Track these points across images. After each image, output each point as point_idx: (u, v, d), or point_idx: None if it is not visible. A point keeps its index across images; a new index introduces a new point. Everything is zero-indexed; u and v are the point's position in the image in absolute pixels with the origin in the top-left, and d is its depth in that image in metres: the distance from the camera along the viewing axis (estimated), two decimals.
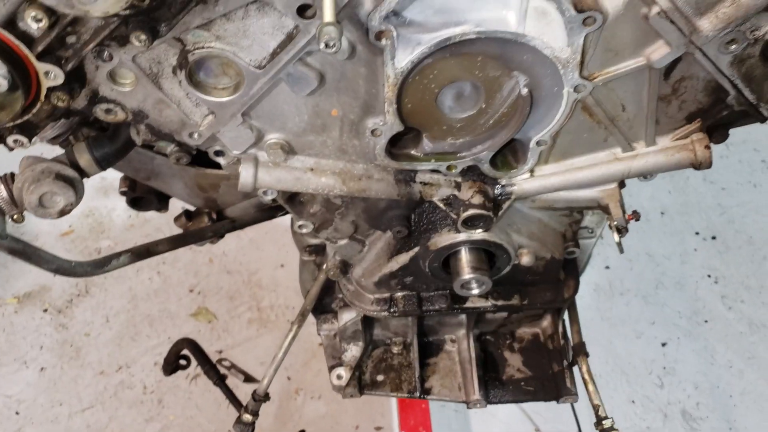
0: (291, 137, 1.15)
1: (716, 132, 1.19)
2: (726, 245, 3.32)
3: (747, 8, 0.96)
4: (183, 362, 2.24)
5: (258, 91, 1.04)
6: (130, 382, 2.94)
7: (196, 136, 1.11)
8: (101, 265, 1.25)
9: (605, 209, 1.24)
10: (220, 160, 1.18)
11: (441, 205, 1.26)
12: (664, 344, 3.04)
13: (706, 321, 3.10)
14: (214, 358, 3.03)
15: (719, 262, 3.26)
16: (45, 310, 3.15)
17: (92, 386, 2.93)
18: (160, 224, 3.30)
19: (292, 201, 1.29)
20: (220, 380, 1.86)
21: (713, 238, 3.33)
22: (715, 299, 3.16)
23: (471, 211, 1.22)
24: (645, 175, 1.22)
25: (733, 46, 1.01)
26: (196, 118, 1.08)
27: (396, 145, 1.18)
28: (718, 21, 0.98)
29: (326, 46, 0.87)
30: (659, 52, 1.03)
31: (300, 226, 1.33)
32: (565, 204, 1.28)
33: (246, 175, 1.16)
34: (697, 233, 3.35)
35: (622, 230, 1.22)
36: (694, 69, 1.08)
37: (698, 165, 1.19)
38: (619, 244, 1.23)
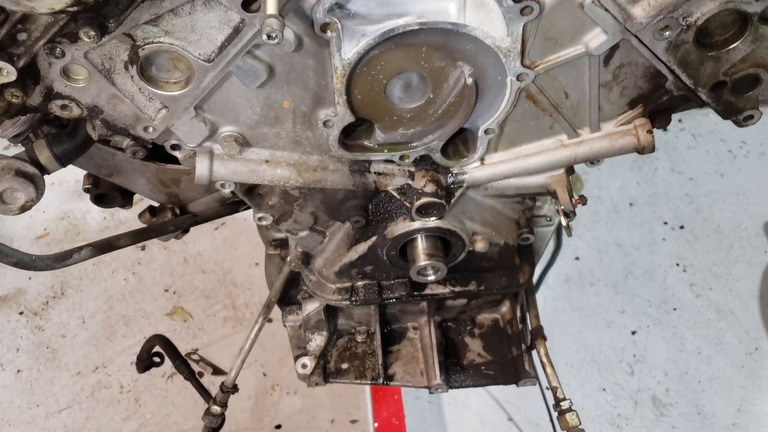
0: (245, 129, 1.18)
1: (659, 117, 1.24)
2: (694, 234, 3.38)
3: None
4: (156, 359, 2.25)
5: (209, 84, 1.07)
6: (107, 382, 2.95)
7: (150, 129, 1.14)
8: (62, 259, 1.27)
9: (553, 194, 1.28)
10: (177, 154, 1.21)
11: (396, 194, 1.29)
12: (634, 332, 3.10)
13: (675, 309, 3.16)
14: (189, 355, 3.06)
15: (687, 251, 3.32)
16: (21, 313, 3.15)
17: (69, 387, 2.94)
18: (136, 224, 3.31)
19: (250, 193, 1.32)
20: (190, 374, 1.89)
21: (681, 227, 3.39)
22: (683, 287, 3.23)
23: (424, 200, 1.25)
24: (591, 160, 1.26)
25: (667, 33, 1.05)
26: (150, 113, 1.11)
27: (349, 136, 1.21)
28: (651, 8, 1.02)
29: (269, 37, 0.90)
30: (597, 40, 1.07)
31: (260, 219, 1.35)
32: (515, 191, 1.32)
33: (201, 167, 1.19)
34: (665, 223, 3.41)
35: (569, 214, 1.26)
36: (633, 55, 1.12)
37: (641, 149, 1.23)
38: (567, 228, 1.27)
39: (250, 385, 2.90)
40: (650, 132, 1.22)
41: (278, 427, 2.86)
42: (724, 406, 2.91)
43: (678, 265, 3.29)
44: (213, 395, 1.74)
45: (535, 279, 2.03)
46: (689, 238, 3.37)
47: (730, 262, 3.29)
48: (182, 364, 1.91)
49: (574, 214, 1.27)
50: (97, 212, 3.41)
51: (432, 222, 1.31)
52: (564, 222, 1.26)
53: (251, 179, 1.23)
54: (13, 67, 0.96)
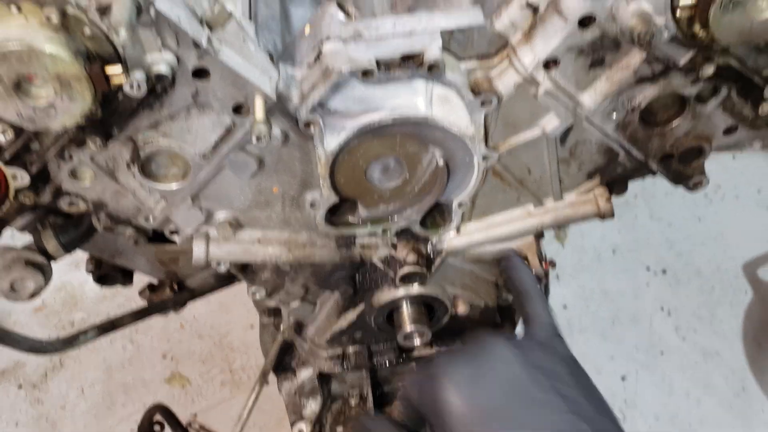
0: (238, 214, 1.28)
1: (616, 185, 1.35)
2: (676, 278, 3.48)
3: (620, 84, 1.13)
4: (157, 428, 2.31)
5: (204, 178, 1.18)
6: None
7: (151, 219, 1.24)
8: (70, 342, 1.36)
9: (525, 259, 1.38)
10: (175, 238, 1.31)
11: (380, 264, 1.39)
12: (623, 378, 3.17)
13: (662, 353, 3.24)
14: (188, 420, 3.10)
15: (671, 295, 3.42)
16: (19, 386, 3.20)
17: None
18: (131, 294, 3.37)
19: (244, 270, 1.42)
20: None
21: (664, 272, 3.50)
22: (669, 331, 3.31)
23: (407, 269, 1.36)
24: (558, 226, 1.37)
25: (614, 115, 1.17)
26: (150, 204, 1.22)
27: (335, 214, 1.32)
28: (597, 95, 1.14)
29: (258, 140, 1.02)
30: (552, 124, 1.19)
31: (253, 293, 1.45)
32: (491, 256, 1.43)
33: (198, 250, 1.29)
34: (648, 268, 3.51)
35: (540, 278, 1.36)
36: (586, 134, 1.24)
37: (602, 216, 1.34)
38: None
39: None
40: (609, 200, 1.33)
41: None
42: None
43: (662, 309, 3.38)
44: None
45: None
46: (672, 282, 3.47)
47: (712, 304, 3.39)
48: None
49: (547, 276, 1.37)
50: (94, 282, 3.49)
51: (415, 289, 1.41)
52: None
53: (245, 258, 1.33)
54: (27, 173, 1.07)
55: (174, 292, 1.64)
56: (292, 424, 1.67)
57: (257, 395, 1.69)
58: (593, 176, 1.33)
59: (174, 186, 1.18)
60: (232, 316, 3.36)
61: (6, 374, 3.24)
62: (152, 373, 3.23)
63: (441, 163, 1.23)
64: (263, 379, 1.68)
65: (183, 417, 3.08)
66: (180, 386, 3.19)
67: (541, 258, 1.38)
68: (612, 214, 1.34)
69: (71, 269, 3.60)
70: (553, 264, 1.39)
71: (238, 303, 3.37)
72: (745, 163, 3.77)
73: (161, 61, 0.96)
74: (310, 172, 1.22)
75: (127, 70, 0.94)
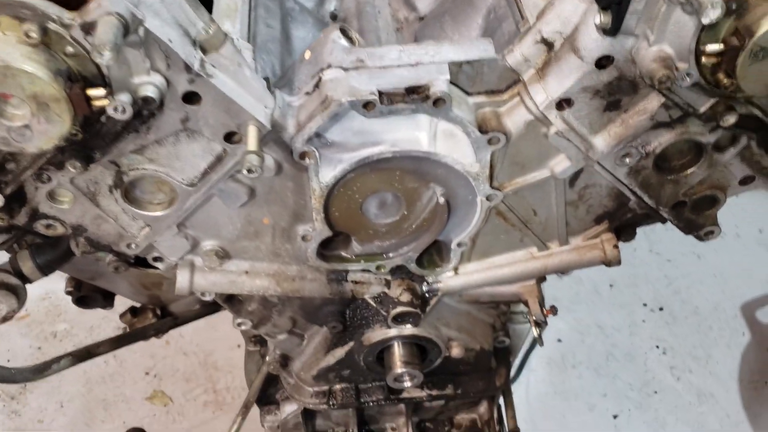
0: (225, 243, 1.21)
1: (624, 231, 1.29)
2: (673, 316, 3.41)
3: (635, 128, 1.07)
4: None
5: (191, 206, 1.11)
6: None
7: (133, 246, 1.17)
8: (41, 371, 1.29)
9: (525, 303, 1.32)
10: (159, 266, 1.24)
11: (372, 302, 1.33)
12: (615, 416, 3.09)
13: (655, 392, 3.16)
14: None
15: (667, 333, 3.35)
16: None
17: None
18: (116, 307, 3.31)
19: (230, 301, 1.35)
20: None
21: (660, 309, 3.43)
22: (663, 370, 3.24)
23: (400, 309, 1.29)
24: (561, 271, 1.31)
25: (628, 160, 1.11)
26: (133, 231, 1.15)
27: (327, 247, 1.25)
28: (611, 139, 1.08)
29: (249, 171, 0.95)
30: (561, 165, 1.13)
31: (239, 324, 1.38)
32: (489, 298, 1.36)
33: (182, 280, 1.22)
34: (645, 305, 3.44)
35: (540, 324, 1.29)
36: (596, 178, 1.18)
37: (608, 263, 1.28)
38: (539, 338, 1.31)
39: None
40: (616, 246, 1.27)
41: None
42: None
43: (658, 347, 3.31)
44: None
45: (518, 361, 2.05)
46: (668, 320, 3.40)
47: (709, 344, 3.31)
48: None
49: (546, 323, 1.31)
50: None
51: (408, 329, 1.34)
52: (535, 332, 1.29)
53: (231, 290, 1.26)
54: (1, 194, 1.00)
55: (157, 317, 1.57)
56: None
57: (238, 428, 1.62)
58: (601, 221, 1.27)
59: (159, 213, 1.12)
60: (218, 335, 3.27)
61: None
62: (134, 389, 3.14)
63: (442, 200, 1.16)
64: (245, 412, 1.60)
65: None
66: (162, 405, 3.10)
67: (542, 303, 1.32)
68: (618, 262, 1.28)
69: (56, 279, 3.53)
70: (554, 310, 1.33)
71: (225, 321, 3.25)
72: (746, 201, 3.71)
73: (149, 84, 0.90)
74: (303, 204, 1.15)
75: (111, 92, 0.88)
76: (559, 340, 3.32)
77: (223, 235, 1.20)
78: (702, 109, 0.99)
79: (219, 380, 3.16)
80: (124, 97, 0.88)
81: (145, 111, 0.95)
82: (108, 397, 3.10)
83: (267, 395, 1.67)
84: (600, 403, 3.12)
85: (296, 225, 1.19)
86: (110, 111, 0.89)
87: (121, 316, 1.61)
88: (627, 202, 1.23)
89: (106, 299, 1.54)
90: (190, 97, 0.95)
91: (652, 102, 1.02)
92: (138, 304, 1.61)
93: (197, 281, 1.23)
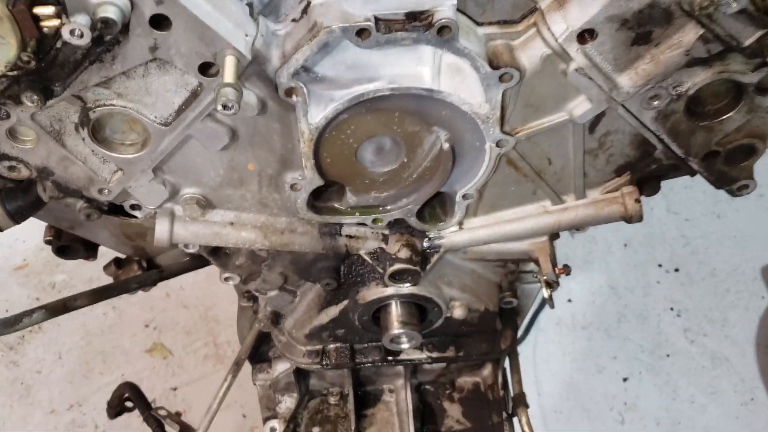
0: (207, 191, 1.11)
1: (647, 185, 1.17)
2: (689, 277, 3.30)
3: (667, 65, 0.94)
4: (129, 404, 2.17)
5: (167, 147, 1.00)
6: (82, 421, 2.86)
7: (106, 191, 1.06)
8: (11, 324, 1.20)
9: (536, 262, 1.21)
10: (137, 214, 1.14)
11: (368, 258, 1.22)
12: (625, 379, 3.01)
13: (668, 355, 3.07)
14: (167, 395, 2.97)
15: (682, 295, 3.24)
16: None
17: (42, 425, 2.84)
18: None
19: (215, 253, 1.25)
20: (159, 428, 1.80)
21: (676, 270, 3.31)
22: (677, 333, 3.14)
23: (398, 266, 1.18)
24: (576, 228, 1.19)
25: (656, 102, 0.99)
26: (105, 175, 1.04)
27: (319, 198, 1.14)
28: (638, 77, 0.95)
29: (224, 107, 0.84)
30: (581, 108, 1.00)
31: (226, 279, 1.28)
32: (496, 256, 1.25)
33: (161, 230, 1.12)
34: (660, 265, 3.33)
35: (552, 285, 1.18)
36: (619, 123, 1.06)
37: (629, 219, 1.16)
38: (549, 299, 1.20)
39: (228, 427, 2.80)
40: (638, 201, 1.15)
41: None
42: None
43: (672, 309, 3.20)
44: None
45: (526, 322, 1.95)
46: (684, 282, 3.29)
47: (726, 307, 3.20)
48: (151, 418, 1.82)
49: (557, 284, 1.20)
50: None
51: (406, 288, 1.24)
52: (546, 293, 1.19)
53: (215, 242, 1.16)
54: None
55: (143, 269, 1.47)
56: (265, 421, 1.51)
57: (229, 385, 1.54)
58: (622, 172, 1.14)
59: (131, 155, 1.01)
60: (219, 288, 3.17)
61: None
62: (133, 342, 3.08)
63: (446, 146, 1.05)
64: (236, 369, 1.52)
65: (162, 390, 2.95)
66: (161, 357, 3.04)
67: (554, 262, 1.20)
68: (640, 218, 1.16)
69: None
70: (567, 270, 1.21)
71: None
72: None
73: (109, 5, 0.78)
74: (292, 149, 1.04)
75: (65, 12, 0.76)
76: (570, 301, 3.22)
77: (205, 182, 1.09)
78: (747, 43, 0.86)
79: (220, 334, 3.10)
80: (81, 19, 0.77)
81: (107, 36, 0.83)
82: (107, 348, 3.05)
83: (260, 353, 1.58)
84: (610, 365, 3.03)
85: (284, 172, 1.08)
86: (66, 35, 0.77)
87: (105, 267, 1.52)
88: (652, 152, 1.10)
89: (88, 250, 1.44)
90: (159, 22, 0.83)
91: (688, 34, 0.89)
92: (123, 256, 1.51)
93: (178, 232, 1.13)
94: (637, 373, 3.01)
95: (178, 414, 2.92)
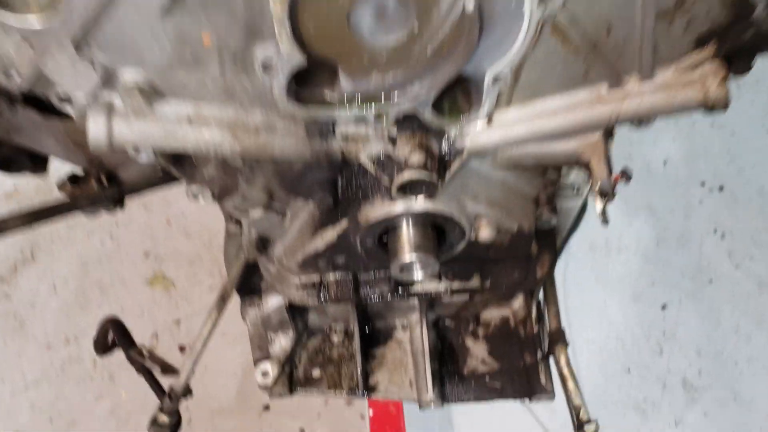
0: (153, 75, 0.84)
1: (736, 61, 0.88)
2: (734, 197, 3.02)
3: None
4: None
5: (87, 10, 0.73)
6: (79, 356, 2.69)
7: (15, 76, 0.80)
8: None
9: (586, 166, 0.93)
10: (68, 110, 0.87)
11: (371, 166, 0.95)
12: (664, 307, 2.78)
13: (711, 281, 2.83)
14: (170, 328, 2.78)
15: (727, 216, 2.97)
16: None
17: (37, 361, 2.68)
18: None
19: (178, 162, 0.99)
20: (143, 368, 1.59)
21: (720, 189, 3.03)
22: (721, 256, 2.89)
23: (409, 174, 0.92)
24: (639, 120, 0.91)
25: None
26: (9, 51, 0.77)
27: (303, 84, 0.87)
28: None
29: None
30: None
31: (194, 195, 1.03)
32: (535, 160, 0.98)
33: (96, 128, 0.86)
34: (703, 184, 3.05)
35: (606, 195, 0.91)
36: None
37: (710, 106, 0.88)
38: (603, 214, 0.93)
39: (236, 362, 2.62)
40: (724, 81, 0.86)
41: (267, 408, 2.60)
42: (764, 390, 2.60)
43: (716, 231, 2.94)
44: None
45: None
46: (729, 202, 3.01)
47: None
48: (135, 356, 1.61)
49: (614, 194, 0.93)
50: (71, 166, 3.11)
51: (420, 204, 0.97)
52: (598, 206, 0.92)
53: (169, 144, 0.89)
54: None
55: (102, 186, 1.22)
56: (256, 363, 1.29)
57: (214, 323, 1.31)
58: (705, 43, 0.85)
59: (36, 20, 0.73)
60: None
61: None
62: (132, 272, 2.88)
63: (470, 7, 0.76)
64: (221, 305, 1.29)
65: (165, 323, 2.77)
66: (163, 289, 2.85)
67: (610, 166, 0.93)
68: (725, 104, 0.87)
69: None
70: (627, 176, 0.94)
71: None
72: None
73: None
74: (260, 11, 0.76)
75: None
76: (605, 222, 2.94)
77: (148, 60, 0.82)
78: None
79: None
80: None
81: None
82: (104, 279, 2.86)
83: (250, 284, 1.34)
84: (647, 292, 2.80)
85: (253, 45, 0.80)
86: None
87: (60, 186, 1.27)
88: (749, 12, 0.81)
89: (35, 162, 1.19)
90: None
91: None
92: (80, 172, 1.26)
93: (118, 130, 0.87)
94: (677, 301, 2.78)
95: (182, 349, 2.76)
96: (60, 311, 2.79)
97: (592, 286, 2.80)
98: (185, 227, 2.99)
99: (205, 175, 1.01)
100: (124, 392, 2.62)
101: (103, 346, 1.90)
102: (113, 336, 1.82)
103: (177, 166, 0.99)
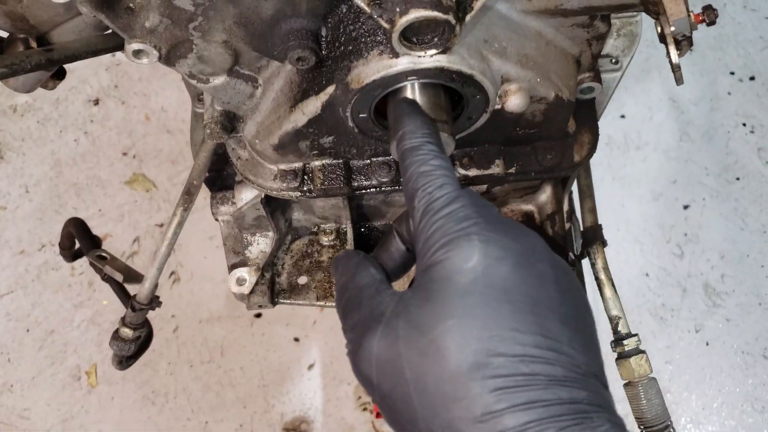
0: None
1: None
2: (767, 88, 2.76)
3: None
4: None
5: None
6: (55, 263, 2.50)
7: None
8: None
9: (655, 5, 0.68)
10: None
11: (364, 5, 0.70)
12: (686, 207, 2.58)
13: (738, 179, 2.62)
14: (152, 232, 2.58)
15: (757, 108, 2.73)
16: None
17: (11, 268, 2.50)
18: (87, 74, 2.75)
19: (111, 8, 0.74)
20: (107, 275, 1.39)
21: (751, 78, 2.78)
22: (750, 152, 2.67)
23: (416, 13, 0.67)
24: None
25: None
26: None
27: None
28: None
29: None
30: None
31: (136, 53, 0.78)
32: (581, 2, 0.73)
33: None
34: (732, 73, 2.79)
35: (683, 42, 0.67)
36: None
37: None
38: (676, 69, 0.69)
39: (224, 267, 2.43)
40: None
41: (258, 316, 2.43)
42: None
43: (745, 125, 2.71)
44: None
45: None
46: (761, 92, 2.76)
47: None
48: (96, 261, 1.41)
49: (691, 42, 0.69)
50: None
51: (430, 58, 0.73)
52: (674, 56, 0.68)
53: None
54: None
55: (31, 49, 0.97)
56: (230, 269, 1.08)
57: (180, 222, 1.10)
58: None
59: None
60: None
61: None
62: (110, 172, 2.66)
63: None
64: (188, 200, 1.07)
65: (146, 227, 2.57)
66: (143, 190, 2.64)
67: (686, 3, 0.68)
68: None
69: None
70: (711, 16, 0.70)
71: None
72: None
73: None
74: None
75: None
76: (623, 116, 2.73)
77: None
78: None
79: None
80: None
81: None
82: (80, 180, 2.64)
83: (222, 175, 1.12)
84: (668, 190, 2.59)
85: None
86: None
87: None
88: None
89: None
90: None
91: None
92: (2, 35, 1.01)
93: None
94: (701, 200, 2.58)
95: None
96: (33, 215, 2.59)
97: (609, 184, 2.59)
98: (166, 123, 2.75)
99: (146, 25, 0.76)
100: (105, 300, 2.44)
101: (70, 252, 1.71)
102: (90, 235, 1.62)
103: (108, 13, 0.75)
